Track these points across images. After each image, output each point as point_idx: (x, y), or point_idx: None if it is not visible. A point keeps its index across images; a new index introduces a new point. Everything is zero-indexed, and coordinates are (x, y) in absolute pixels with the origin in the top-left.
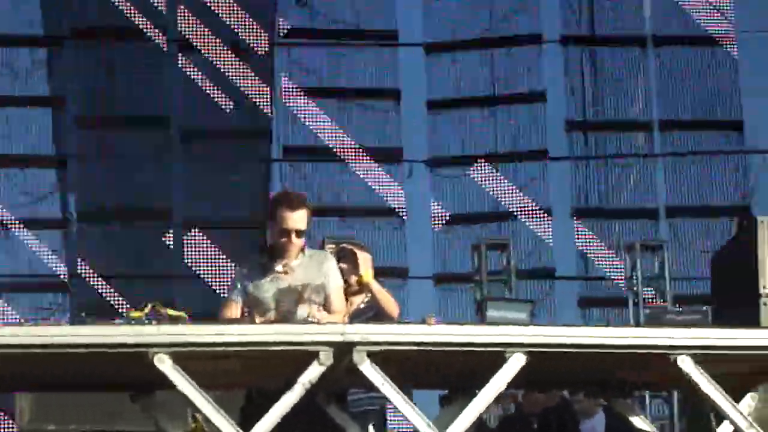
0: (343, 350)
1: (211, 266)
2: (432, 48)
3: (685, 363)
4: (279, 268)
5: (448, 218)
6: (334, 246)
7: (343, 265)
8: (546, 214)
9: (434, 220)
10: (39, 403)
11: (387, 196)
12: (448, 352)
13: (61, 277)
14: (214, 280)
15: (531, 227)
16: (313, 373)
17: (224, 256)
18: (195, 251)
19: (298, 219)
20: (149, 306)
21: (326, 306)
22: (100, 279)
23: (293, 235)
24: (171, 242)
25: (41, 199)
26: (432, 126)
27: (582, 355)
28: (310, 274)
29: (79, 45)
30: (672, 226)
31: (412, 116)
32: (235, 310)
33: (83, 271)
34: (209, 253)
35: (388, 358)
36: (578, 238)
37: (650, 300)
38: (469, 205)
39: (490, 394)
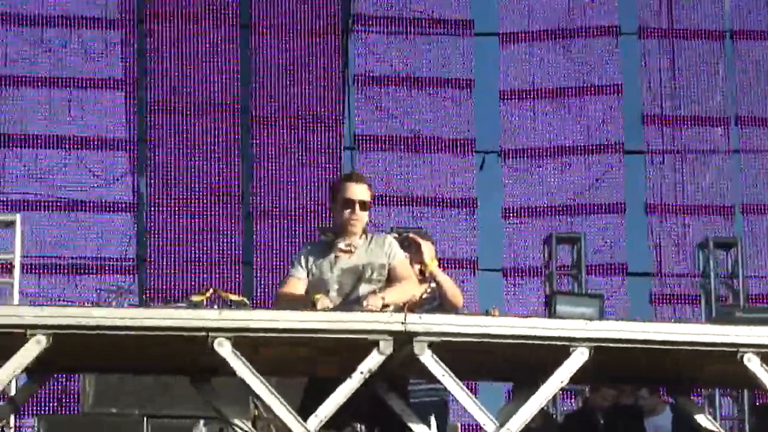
0: (403, 340)
1: (280, 252)
2: (507, 38)
3: (752, 362)
4: (342, 245)
5: (519, 210)
6: (397, 236)
7: (407, 254)
8: (619, 209)
9: (505, 212)
10: (101, 387)
11: (458, 187)
12: (511, 344)
13: (130, 259)
14: (282, 266)
15: (603, 221)
16: (372, 361)
17: (294, 243)
18: (265, 237)
19: (361, 191)
20: (211, 290)
21: (393, 278)
22: (168, 262)
23: (357, 207)
24: (242, 227)
25: (112, 182)
26: (505, 116)
27: (647, 350)
28: (372, 254)
29: (152, 27)
30: (747, 223)
31: (486, 106)
32: (296, 286)
33: (152, 254)
34: (279, 238)
35: (449, 349)
36: (651, 234)
37: (723, 298)
38: (540, 197)
39: (552, 387)
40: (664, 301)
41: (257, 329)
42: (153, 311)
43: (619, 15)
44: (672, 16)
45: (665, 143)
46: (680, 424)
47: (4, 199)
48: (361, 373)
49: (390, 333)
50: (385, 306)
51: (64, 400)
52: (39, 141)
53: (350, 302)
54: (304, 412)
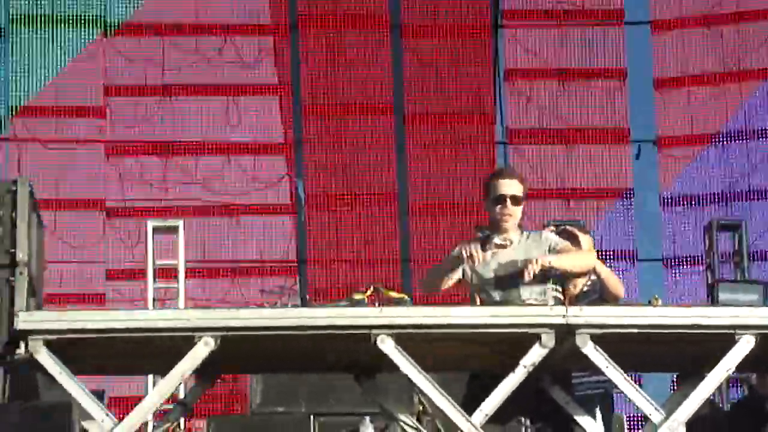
0: (565, 332)
1: (438, 248)
2: (659, 25)
3: None
4: (498, 240)
5: (677, 198)
6: (554, 229)
7: None
8: None
9: (663, 201)
10: (268, 386)
11: (614, 177)
12: (674, 334)
13: (291, 260)
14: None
15: (764, 207)
16: (535, 355)
17: (451, 238)
18: (422, 233)
19: (511, 186)
20: (372, 288)
21: None
22: (329, 262)
23: (509, 201)
24: (399, 225)
25: (271, 185)
26: (660, 105)
27: None
28: (529, 249)
29: (305, 31)
30: None
31: (639, 95)
32: (452, 285)
33: (313, 254)
34: (436, 234)
35: (611, 341)
36: None
37: None
38: (699, 185)
39: (718, 377)
40: None
41: (418, 325)
42: (316, 310)
43: None
44: None
45: None
46: None
47: (168, 205)
48: (524, 366)
49: (551, 326)
50: (551, 268)
51: (232, 401)
52: (198, 148)
53: (510, 298)
54: (467, 406)
